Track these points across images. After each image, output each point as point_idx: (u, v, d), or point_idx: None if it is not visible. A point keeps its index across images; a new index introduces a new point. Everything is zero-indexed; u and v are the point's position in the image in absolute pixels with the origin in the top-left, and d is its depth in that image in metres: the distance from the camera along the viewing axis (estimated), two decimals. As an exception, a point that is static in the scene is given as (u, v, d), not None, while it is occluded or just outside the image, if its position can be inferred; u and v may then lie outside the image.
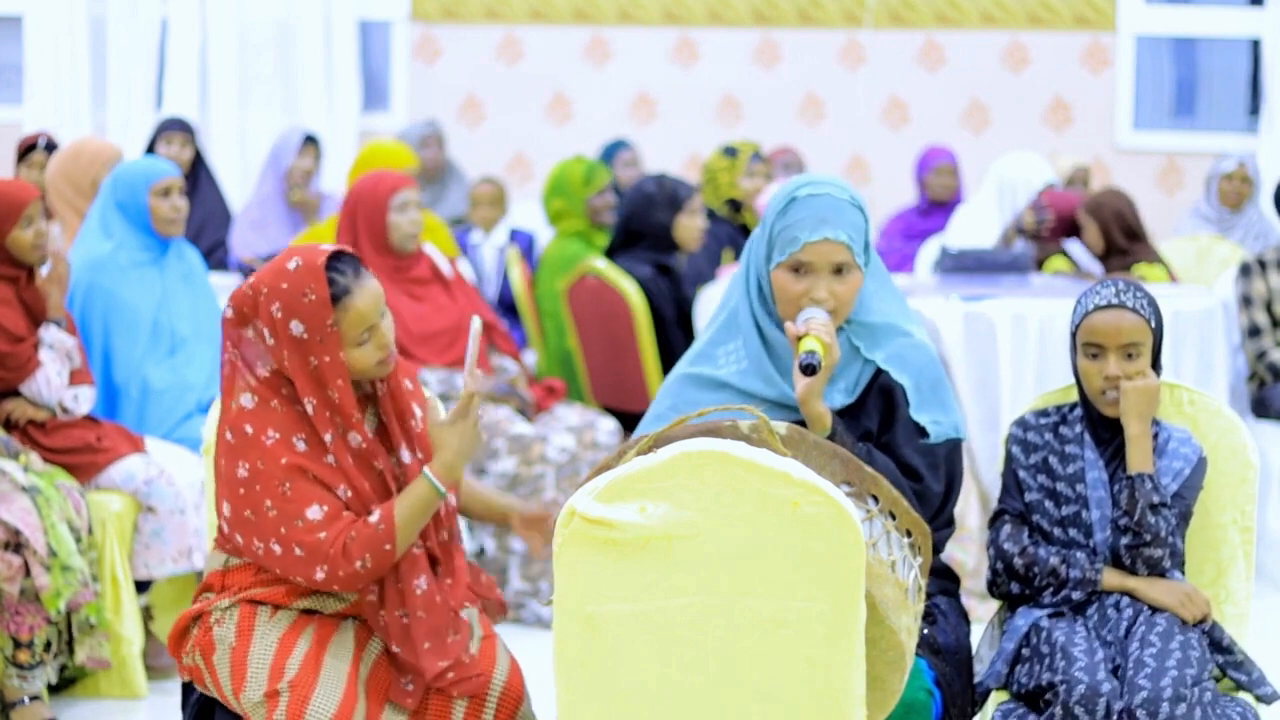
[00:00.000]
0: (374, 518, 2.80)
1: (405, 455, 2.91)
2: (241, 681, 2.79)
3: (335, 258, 2.81)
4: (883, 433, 2.91)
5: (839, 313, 2.89)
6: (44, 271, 4.27)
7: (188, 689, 2.98)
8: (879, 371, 2.94)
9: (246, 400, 2.82)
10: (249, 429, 2.80)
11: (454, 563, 2.98)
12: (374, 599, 2.87)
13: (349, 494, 2.82)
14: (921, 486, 2.87)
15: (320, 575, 2.77)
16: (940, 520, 2.91)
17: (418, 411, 2.97)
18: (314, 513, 2.77)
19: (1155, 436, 3.04)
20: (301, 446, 2.80)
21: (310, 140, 6.72)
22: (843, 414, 2.91)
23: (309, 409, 2.80)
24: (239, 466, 2.80)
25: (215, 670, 2.84)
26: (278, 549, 2.79)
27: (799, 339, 2.81)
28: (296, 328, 2.77)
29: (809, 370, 2.77)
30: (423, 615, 2.85)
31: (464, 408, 2.87)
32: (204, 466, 3.26)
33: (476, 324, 2.86)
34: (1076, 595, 3.01)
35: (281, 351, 2.80)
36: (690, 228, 5.81)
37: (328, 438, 2.81)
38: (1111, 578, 3.01)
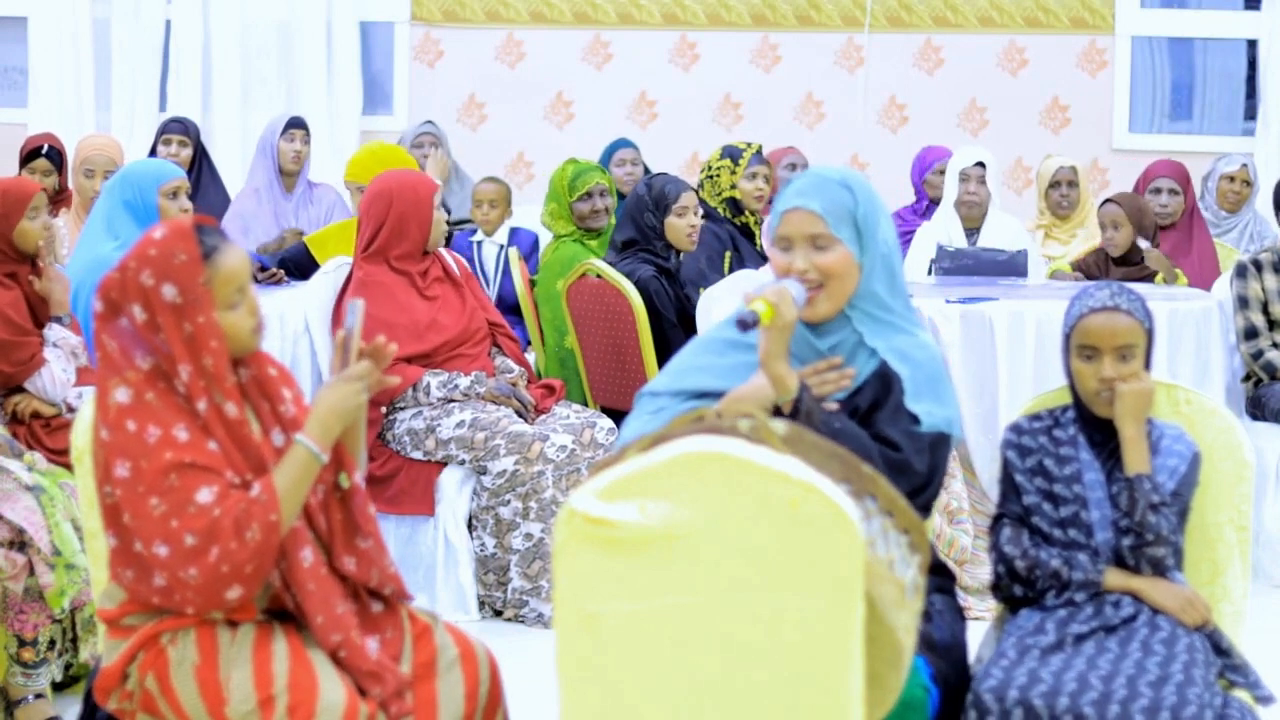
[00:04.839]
0: (255, 490, 2.76)
1: (277, 438, 2.87)
2: (219, 699, 2.75)
3: (199, 225, 2.82)
4: (871, 414, 2.95)
5: (829, 288, 2.93)
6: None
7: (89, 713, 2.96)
8: (880, 364, 2.97)
9: (122, 395, 2.77)
10: (131, 425, 2.75)
11: (354, 543, 2.93)
12: (279, 582, 2.83)
13: (235, 479, 2.79)
14: (901, 457, 2.88)
15: (214, 556, 2.71)
16: (918, 502, 2.91)
17: (287, 395, 2.95)
18: (204, 495, 2.72)
19: (1149, 435, 3.05)
20: (184, 436, 2.75)
21: (297, 124, 6.73)
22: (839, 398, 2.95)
23: (184, 375, 2.76)
24: (118, 466, 2.75)
25: (176, 690, 2.78)
26: (163, 550, 2.72)
27: (750, 303, 2.87)
28: (169, 291, 2.75)
29: (742, 325, 2.83)
30: (312, 588, 2.81)
31: (351, 374, 2.86)
32: (80, 479, 3.12)
33: (358, 302, 2.90)
34: (1079, 597, 3.02)
35: (156, 322, 2.76)
36: (679, 227, 5.80)
37: (201, 405, 2.77)
38: (1114, 578, 3.02)
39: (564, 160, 6.42)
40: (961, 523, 5.04)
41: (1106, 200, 6.20)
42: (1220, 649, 2.99)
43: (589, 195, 6.25)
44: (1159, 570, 3.01)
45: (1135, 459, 3.00)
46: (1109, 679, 2.81)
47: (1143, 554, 2.99)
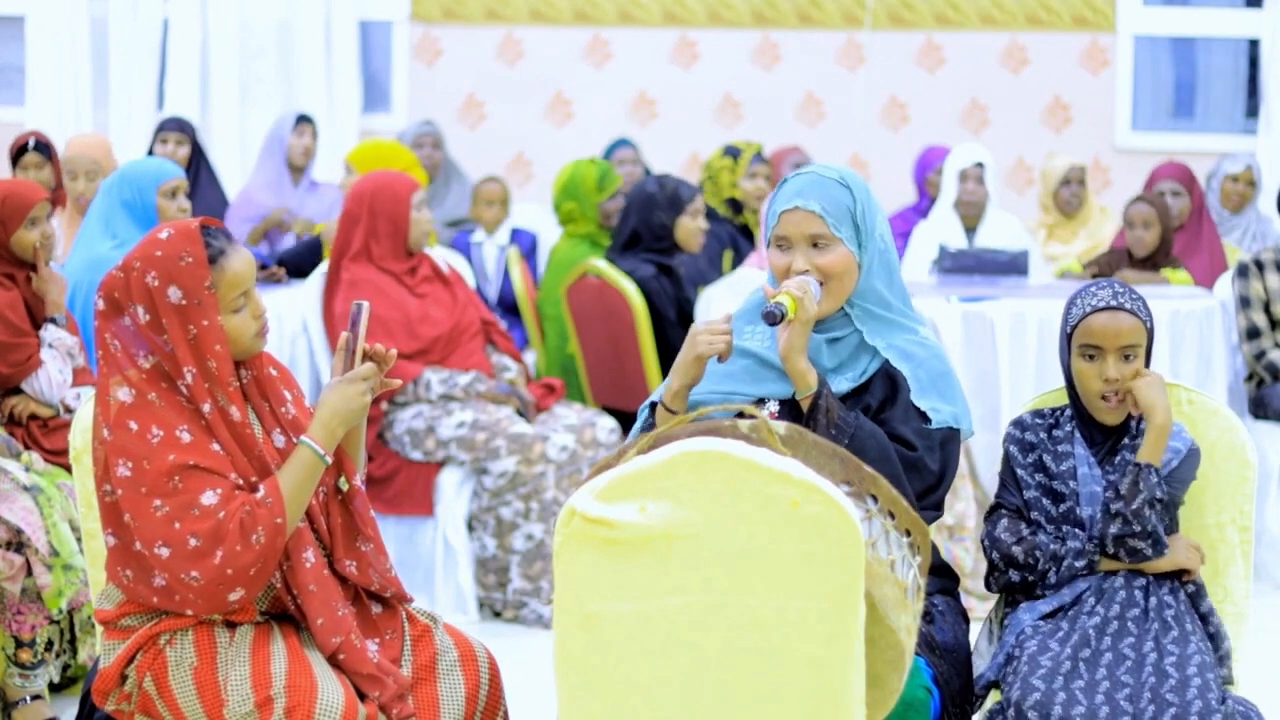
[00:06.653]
0: (261, 493, 2.76)
1: (279, 439, 2.87)
2: (217, 700, 2.74)
3: (205, 227, 2.81)
4: (883, 411, 2.94)
5: (830, 287, 2.93)
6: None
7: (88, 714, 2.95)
8: (885, 362, 2.97)
9: (124, 394, 2.76)
10: (133, 425, 2.74)
11: (354, 545, 2.93)
12: (280, 584, 2.83)
13: (239, 481, 2.78)
14: (916, 456, 2.88)
15: (218, 558, 2.70)
16: (930, 500, 2.92)
17: (288, 396, 2.95)
18: (209, 498, 2.72)
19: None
20: (186, 438, 2.75)
21: (306, 120, 6.73)
22: (846, 395, 2.94)
23: (188, 378, 2.76)
24: (120, 466, 2.74)
25: (172, 691, 2.78)
26: (165, 552, 2.71)
27: (773, 296, 2.86)
28: (174, 294, 2.75)
29: (770, 318, 2.82)
30: (314, 590, 2.81)
31: (355, 375, 2.86)
32: (77, 479, 3.13)
33: (364, 304, 2.90)
34: (1079, 564, 3.01)
35: (160, 323, 2.75)
36: (691, 229, 5.81)
37: (206, 408, 2.76)
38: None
39: (569, 161, 6.40)
40: (963, 540, 5.04)
41: (1137, 199, 6.16)
42: (1200, 612, 3.01)
43: (614, 194, 6.26)
44: (1134, 560, 3.00)
45: (1153, 449, 2.99)
46: (1135, 697, 2.82)
47: (1124, 543, 2.98)
